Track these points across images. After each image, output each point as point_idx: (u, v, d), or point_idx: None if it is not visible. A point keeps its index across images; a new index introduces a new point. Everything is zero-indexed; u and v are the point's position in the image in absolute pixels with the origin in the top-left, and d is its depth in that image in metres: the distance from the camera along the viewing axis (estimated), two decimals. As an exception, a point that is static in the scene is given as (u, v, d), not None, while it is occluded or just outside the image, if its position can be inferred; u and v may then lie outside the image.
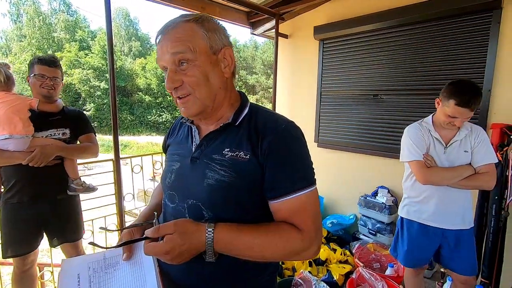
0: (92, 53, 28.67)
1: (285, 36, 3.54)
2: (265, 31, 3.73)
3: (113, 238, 3.57)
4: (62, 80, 1.75)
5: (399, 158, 2.75)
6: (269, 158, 0.70)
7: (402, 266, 2.18)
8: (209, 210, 0.73)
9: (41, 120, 1.62)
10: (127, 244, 0.74)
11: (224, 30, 0.76)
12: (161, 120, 29.83)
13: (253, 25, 3.70)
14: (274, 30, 3.34)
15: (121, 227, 2.35)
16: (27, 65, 1.68)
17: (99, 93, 26.73)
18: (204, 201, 0.73)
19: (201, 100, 0.72)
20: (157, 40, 0.72)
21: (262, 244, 0.67)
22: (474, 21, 2.21)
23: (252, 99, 31.21)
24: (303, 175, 0.72)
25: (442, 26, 2.37)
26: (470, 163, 1.55)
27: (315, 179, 0.75)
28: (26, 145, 1.53)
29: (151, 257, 0.75)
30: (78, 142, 1.82)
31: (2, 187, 1.65)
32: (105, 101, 26.67)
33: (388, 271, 2.15)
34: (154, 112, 29.88)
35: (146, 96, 29.56)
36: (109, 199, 2.39)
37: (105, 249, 0.76)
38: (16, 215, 1.63)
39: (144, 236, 0.68)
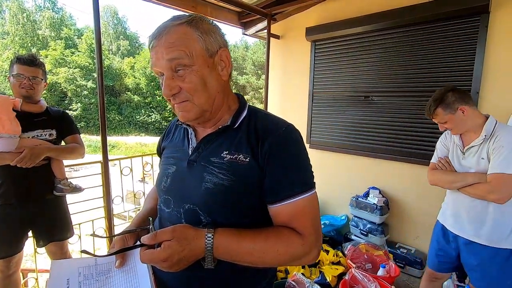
0: (79, 51, 28.02)
1: (277, 37, 3.53)
2: (256, 32, 3.72)
3: (102, 243, 3.48)
4: (44, 80, 1.70)
5: (390, 159, 2.80)
6: (270, 161, 0.69)
7: (393, 266, 2.21)
8: (206, 214, 0.70)
9: (26, 120, 1.58)
10: (122, 252, 0.70)
11: (219, 30, 0.73)
12: (150, 120, 29.41)
13: (245, 26, 3.68)
14: (266, 31, 3.32)
15: (110, 231, 2.29)
16: (9, 64, 1.61)
17: (86, 92, 26.15)
18: (201, 205, 0.71)
19: (200, 105, 0.70)
20: (150, 46, 0.69)
21: (262, 249, 0.66)
22: (463, 25, 2.26)
23: (242, 99, 31.07)
24: (303, 179, 0.71)
25: (431, 29, 2.41)
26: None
27: (315, 182, 0.73)
28: (15, 146, 1.51)
29: (146, 264, 0.72)
30: (63, 143, 1.78)
31: None
32: (92, 101, 26.12)
33: (380, 272, 2.16)
34: (143, 112, 29.45)
35: (135, 96, 29.11)
36: (96, 202, 2.32)
37: (98, 257, 0.72)
38: (2, 216, 1.59)
39: (140, 243, 0.64)
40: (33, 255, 2.03)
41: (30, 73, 1.59)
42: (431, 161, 1.68)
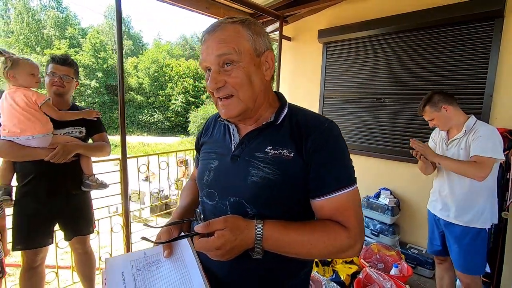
0: (83, 51, 28.12)
1: (288, 39, 3.57)
2: (268, 33, 3.75)
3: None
4: (76, 79, 1.77)
5: (401, 161, 2.83)
6: (314, 156, 0.71)
7: (406, 266, 2.24)
8: (252, 206, 0.73)
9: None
10: (176, 240, 0.74)
11: (267, 33, 0.77)
12: (152, 120, 29.45)
13: (256, 27, 3.72)
14: (277, 33, 3.36)
15: (127, 228, 2.32)
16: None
17: (89, 91, 26.24)
18: (248, 198, 0.73)
19: (244, 101, 0.73)
20: (203, 40, 0.72)
21: (309, 241, 0.68)
22: (477, 29, 2.29)
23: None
24: (346, 173, 0.73)
25: (445, 33, 2.45)
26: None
27: (356, 177, 0.76)
28: (48, 142, 1.57)
29: (193, 253, 0.75)
30: (90, 141, 1.84)
31: (16, 182, 1.67)
32: (95, 100, 26.19)
33: (393, 271, 2.19)
34: (146, 112, 29.49)
35: (138, 95, 29.17)
36: (108, 200, 2.35)
37: (155, 244, 0.77)
38: (32, 209, 1.65)
39: (194, 231, 0.68)
40: (54, 252, 2.07)
41: (62, 72, 1.67)
42: (499, 156, 1.69)
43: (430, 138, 2.00)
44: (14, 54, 1.49)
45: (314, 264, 2.31)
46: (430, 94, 1.83)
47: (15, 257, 2.91)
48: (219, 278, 0.78)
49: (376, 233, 2.75)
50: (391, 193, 2.78)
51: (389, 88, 2.80)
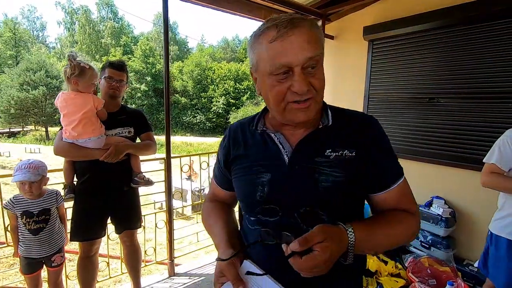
0: (134, 57, 30.52)
1: (331, 37, 3.45)
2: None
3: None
4: (127, 83, 1.91)
5: (458, 167, 2.55)
6: (374, 152, 0.73)
7: (463, 285, 2.01)
8: (326, 212, 0.71)
9: (109, 119, 1.77)
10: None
11: None
12: (195, 121, 30.82)
13: (298, 27, 3.66)
14: (319, 32, 3.27)
15: (170, 224, 2.43)
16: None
17: (139, 94, 28.36)
18: (322, 204, 0.71)
19: (319, 103, 0.71)
20: (276, 35, 0.63)
21: (391, 234, 0.71)
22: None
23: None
24: (398, 164, 0.77)
25: (507, 24, 2.15)
26: None
27: None
28: (102, 143, 1.71)
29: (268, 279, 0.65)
30: (138, 140, 1.96)
31: (76, 179, 1.84)
32: (144, 102, 28.22)
33: (447, 289, 1.98)
34: (189, 113, 30.96)
35: (182, 98, 30.76)
36: (153, 197, 2.47)
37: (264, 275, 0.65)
38: (88, 205, 1.81)
39: (290, 252, 0.59)
40: (105, 243, 2.25)
41: (118, 77, 1.82)
42: (488, 160, 1.58)
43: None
44: (81, 61, 1.62)
45: (356, 274, 2.18)
46: None
47: (74, 244, 3.23)
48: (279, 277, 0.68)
49: (427, 246, 2.52)
50: (445, 203, 2.53)
51: (444, 87, 2.55)
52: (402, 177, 0.75)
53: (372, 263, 2.28)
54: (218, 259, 0.69)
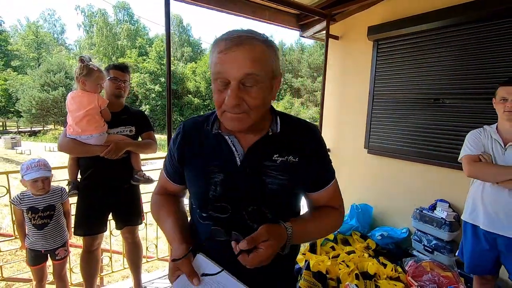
0: (149, 58, 31.12)
1: (336, 38, 3.42)
2: (314, 33, 3.66)
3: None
4: (130, 83, 2.01)
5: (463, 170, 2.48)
6: (314, 158, 0.84)
7: (465, 291, 1.96)
8: (271, 211, 0.81)
9: (112, 118, 1.84)
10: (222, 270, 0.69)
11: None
12: (208, 122, 31.03)
13: (303, 28, 3.66)
14: (324, 32, 3.25)
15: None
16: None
17: (153, 95, 28.90)
18: (268, 204, 0.80)
19: (254, 119, 0.73)
20: (224, 49, 0.67)
21: (320, 227, 0.87)
22: None
23: (297, 102, 30.95)
24: (332, 167, 0.91)
25: None
26: None
27: None
28: (103, 141, 1.78)
29: (231, 279, 0.70)
30: (139, 139, 2.02)
31: (80, 176, 1.92)
32: (158, 103, 28.73)
33: (448, 295, 1.93)
34: (202, 114, 31.22)
35: (195, 98, 31.10)
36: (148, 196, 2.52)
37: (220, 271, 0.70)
38: (90, 200, 1.88)
39: (239, 251, 0.67)
40: (108, 237, 2.32)
41: (122, 77, 1.90)
42: (464, 153, 1.74)
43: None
44: (92, 63, 1.71)
45: (354, 276, 2.16)
46: None
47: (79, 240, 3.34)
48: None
49: (430, 250, 2.46)
50: (449, 206, 2.46)
51: (449, 87, 2.48)
52: (334, 179, 0.90)
53: (371, 266, 2.25)
54: (173, 260, 0.71)
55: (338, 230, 2.30)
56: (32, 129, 26.44)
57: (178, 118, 29.97)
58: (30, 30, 36.46)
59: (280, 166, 0.79)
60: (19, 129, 26.42)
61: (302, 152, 0.82)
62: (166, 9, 2.18)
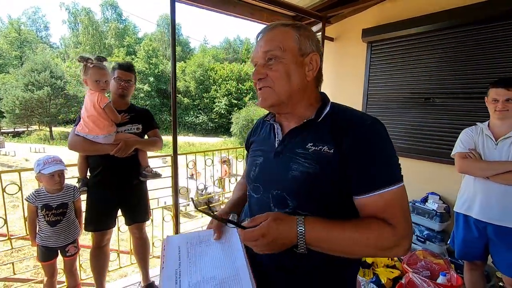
0: (138, 58, 30.66)
1: (331, 39, 3.56)
2: (318, 39, 3.77)
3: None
4: (135, 83, 2.03)
5: (452, 164, 2.66)
6: (354, 154, 0.72)
7: (455, 276, 2.11)
8: (293, 199, 0.77)
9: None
10: (227, 222, 0.80)
11: (317, 39, 0.83)
12: (197, 121, 30.94)
13: (299, 29, 3.76)
14: (320, 34, 3.38)
15: (176, 218, 2.55)
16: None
17: (142, 95, 28.52)
18: (289, 191, 0.78)
19: (278, 94, 0.79)
20: (257, 39, 0.83)
21: (352, 238, 0.68)
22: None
23: (286, 102, 31.05)
24: (388, 172, 0.72)
25: (498, 28, 2.26)
26: None
27: (402, 175, 0.74)
28: (112, 139, 1.82)
29: (239, 241, 0.83)
30: (146, 136, 2.07)
31: (89, 173, 1.95)
32: (147, 103, 28.37)
33: (440, 280, 2.08)
34: (192, 113, 31.08)
35: (185, 98, 30.90)
36: (159, 192, 2.56)
37: (213, 217, 0.82)
38: (99, 196, 1.92)
39: (242, 224, 0.75)
40: (116, 234, 2.36)
41: (127, 77, 1.94)
42: (456, 151, 1.85)
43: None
44: (93, 61, 1.72)
45: (354, 265, 2.28)
46: None
47: (87, 240, 3.35)
48: (267, 274, 0.84)
49: (423, 240, 2.62)
50: (440, 198, 2.63)
51: (439, 87, 2.65)
52: (392, 186, 0.70)
53: (369, 255, 2.38)
54: (213, 217, 0.82)
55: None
56: (16, 129, 25.67)
57: (168, 118, 29.72)
58: (12, 27, 35.28)
59: (311, 154, 0.76)
60: (2, 130, 25.58)
61: (340, 144, 0.73)
62: (172, 16, 2.25)
